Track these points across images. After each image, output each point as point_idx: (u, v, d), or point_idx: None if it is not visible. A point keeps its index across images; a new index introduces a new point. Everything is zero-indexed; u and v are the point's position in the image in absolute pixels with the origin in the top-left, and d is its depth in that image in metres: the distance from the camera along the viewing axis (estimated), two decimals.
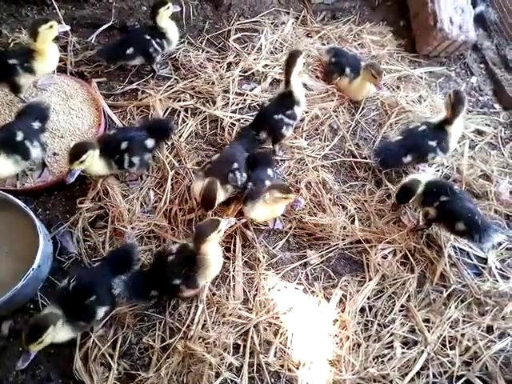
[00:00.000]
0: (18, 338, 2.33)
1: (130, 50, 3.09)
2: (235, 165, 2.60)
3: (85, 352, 2.28)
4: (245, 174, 2.67)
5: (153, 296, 2.30)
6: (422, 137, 2.81)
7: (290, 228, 2.74)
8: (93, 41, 3.50)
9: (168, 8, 3.07)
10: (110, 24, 3.55)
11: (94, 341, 2.30)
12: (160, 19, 3.09)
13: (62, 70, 3.24)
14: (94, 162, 2.46)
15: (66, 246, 2.61)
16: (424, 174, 2.79)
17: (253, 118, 2.99)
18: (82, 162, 2.34)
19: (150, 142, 2.69)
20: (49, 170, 2.76)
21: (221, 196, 2.55)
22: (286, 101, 2.82)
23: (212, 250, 2.21)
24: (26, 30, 3.42)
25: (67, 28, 2.86)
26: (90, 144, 2.42)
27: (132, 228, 2.64)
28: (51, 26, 2.64)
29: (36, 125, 2.58)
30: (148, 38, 3.11)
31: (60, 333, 2.06)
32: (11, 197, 2.42)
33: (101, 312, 2.19)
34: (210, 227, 2.14)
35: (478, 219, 2.40)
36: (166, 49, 3.23)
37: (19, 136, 2.46)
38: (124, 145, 2.56)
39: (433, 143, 2.79)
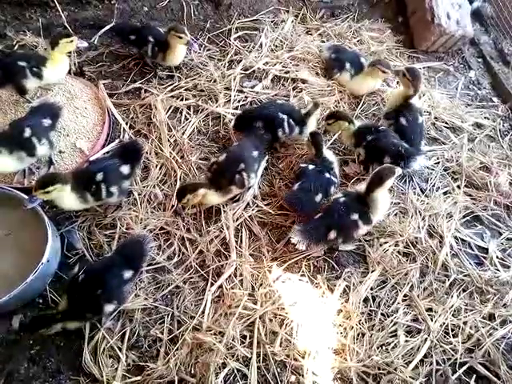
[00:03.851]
0: (28, 331, 2.37)
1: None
2: (242, 165, 2.59)
3: (94, 345, 2.31)
4: (253, 175, 2.67)
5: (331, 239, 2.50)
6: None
7: (293, 222, 2.78)
8: (95, 42, 3.56)
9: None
10: (112, 25, 3.60)
11: (102, 334, 2.33)
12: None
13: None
14: (65, 197, 2.38)
15: (72, 242, 2.64)
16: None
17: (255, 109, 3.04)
18: (46, 192, 2.24)
19: (125, 169, 2.61)
20: (55, 168, 2.80)
21: (215, 199, 2.61)
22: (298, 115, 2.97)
23: (384, 193, 2.50)
24: (30, 32, 3.49)
25: (85, 44, 3.04)
26: (62, 178, 2.32)
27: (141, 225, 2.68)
28: (72, 41, 2.88)
29: (46, 122, 2.63)
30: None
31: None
32: (20, 193, 2.47)
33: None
34: (388, 173, 2.40)
35: (401, 149, 2.69)
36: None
37: (27, 132, 2.51)
38: (99, 176, 2.47)
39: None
